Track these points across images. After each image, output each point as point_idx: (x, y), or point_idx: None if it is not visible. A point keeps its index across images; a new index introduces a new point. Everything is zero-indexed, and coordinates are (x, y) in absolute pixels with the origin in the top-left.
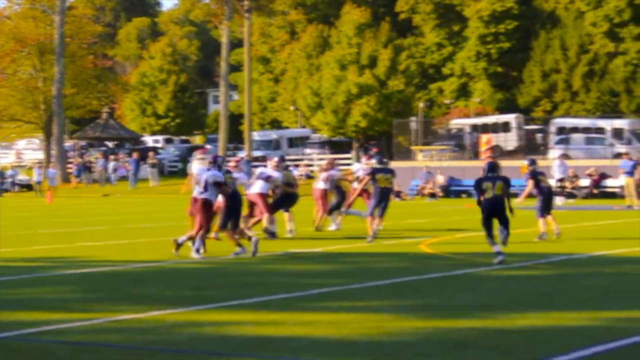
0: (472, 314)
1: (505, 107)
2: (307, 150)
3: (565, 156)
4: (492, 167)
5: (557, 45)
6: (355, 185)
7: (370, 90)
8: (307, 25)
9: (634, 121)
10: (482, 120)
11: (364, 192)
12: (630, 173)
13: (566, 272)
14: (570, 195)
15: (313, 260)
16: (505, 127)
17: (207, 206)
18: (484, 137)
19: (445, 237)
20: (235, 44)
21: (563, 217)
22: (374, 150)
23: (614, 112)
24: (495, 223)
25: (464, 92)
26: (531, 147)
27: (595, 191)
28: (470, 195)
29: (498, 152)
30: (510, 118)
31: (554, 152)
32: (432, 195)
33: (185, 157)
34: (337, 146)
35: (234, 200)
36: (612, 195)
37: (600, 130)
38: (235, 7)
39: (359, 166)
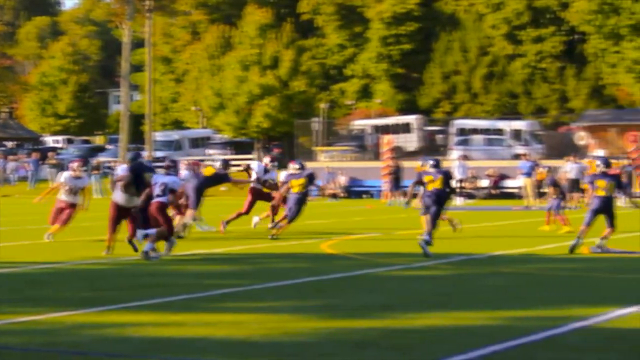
0: (373, 314)
1: (407, 108)
2: (209, 151)
3: (465, 157)
4: (436, 164)
5: (457, 47)
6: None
7: (273, 91)
8: (210, 25)
9: (532, 122)
10: (384, 121)
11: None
12: (529, 174)
13: (465, 272)
14: (470, 196)
15: (215, 261)
16: (406, 128)
17: (164, 209)
18: (385, 138)
19: (347, 237)
20: (137, 43)
21: (463, 218)
22: (276, 150)
23: (513, 113)
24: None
25: (365, 93)
26: (432, 148)
27: (494, 192)
28: (372, 196)
29: (399, 153)
30: (411, 119)
31: (454, 153)
32: (334, 196)
33: (86, 158)
34: (239, 147)
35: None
36: (511, 196)
37: (500, 132)
38: (137, 6)
39: (260, 166)
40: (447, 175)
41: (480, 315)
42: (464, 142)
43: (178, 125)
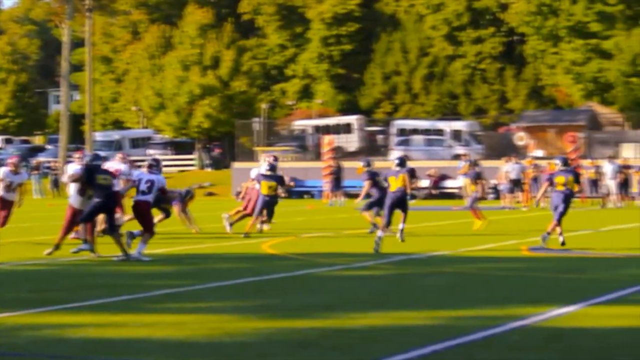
0: (313, 314)
1: (347, 108)
2: (150, 151)
3: (405, 157)
4: (401, 163)
5: (397, 47)
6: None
7: (213, 91)
8: (150, 25)
9: (472, 123)
10: (325, 121)
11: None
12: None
13: (406, 271)
14: (410, 196)
15: (156, 261)
16: (347, 129)
17: (149, 208)
18: (326, 139)
19: (288, 237)
20: (77, 43)
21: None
22: (216, 151)
23: (453, 114)
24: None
25: (306, 93)
26: (372, 148)
27: (434, 192)
28: (313, 196)
29: (340, 153)
30: (352, 119)
31: (395, 154)
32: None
33: (25, 158)
34: (180, 147)
35: (109, 199)
36: (451, 196)
37: (440, 132)
38: (77, 6)
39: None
40: (410, 173)
41: (420, 315)
42: (404, 143)
43: (118, 125)
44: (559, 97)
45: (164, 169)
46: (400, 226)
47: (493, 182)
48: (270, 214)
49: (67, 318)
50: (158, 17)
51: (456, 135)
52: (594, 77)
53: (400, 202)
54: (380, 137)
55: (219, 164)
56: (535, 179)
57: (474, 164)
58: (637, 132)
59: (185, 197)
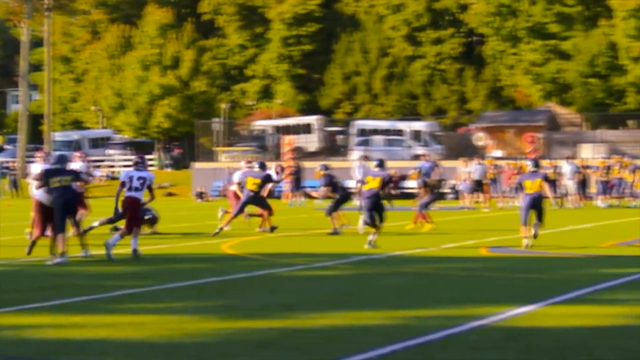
0: (273, 314)
1: (308, 108)
2: (110, 151)
3: (365, 158)
4: (381, 164)
5: (358, 48)
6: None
7: (173, 91)
8: (110, 25)
9: (431, 123)
10: (285, 121)
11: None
12: (428, 174)
13: (365, 271)
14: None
15: (115, 262)
16: (307, 129)
17: (139, 205)
18: (286, 139)
19: (248, 238)
20: (36, 42)
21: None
22: (176, 151)
23: (412, 114)
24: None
25: (266, 93)
26: (332, 148)
27: (394, 192)
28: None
29: (300, 153)
30: (312, 120)
31: (355, 154)
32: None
33: None
34: (139, 147)
35: (68, 200)
36: (411, 196)
37: (400, 133)
38: (36, 5)
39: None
40: (386, 179)
41: (379, 315)
42: (364, 143)
43: (78, 125)
44: (518, 98)
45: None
46: (371, 237)
47: (452, 182)
48: (265, 206)
49: (25, 319)
50: (118, 17)
51: (416, 135)
52: (552, 78)
53: (375, 203)
54: (340, 137)
55: (179, 164)
56: (495, 180)
57: (419, 172)
58: (595, 133)
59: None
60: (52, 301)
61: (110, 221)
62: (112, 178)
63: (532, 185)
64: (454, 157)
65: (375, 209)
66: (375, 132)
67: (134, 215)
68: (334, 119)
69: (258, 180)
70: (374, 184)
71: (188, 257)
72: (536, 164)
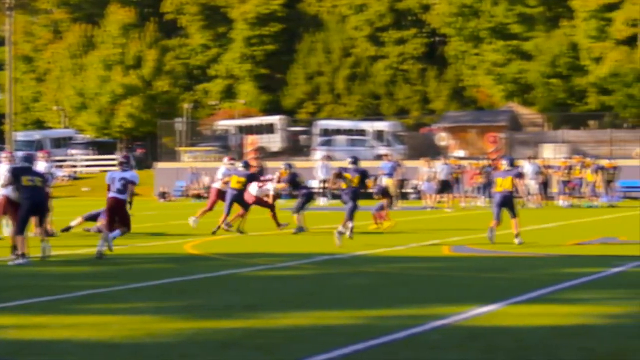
0: (236, 314)
1: (271, 109)
2: (72, 151)
3: (328, 158)
4: (355, 162)
5: (321, 48)
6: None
7: (136, 91)
8: (72, 24)
9: (394, 124)
10: (248, 121)
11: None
12: (391, 174)
13: (329, 271)
14: (334, 196)
15: (78, 262)
16: (270, 129)
17: (124, 206)
18: (250, 139)
19: (211, 238)
20: None
21: (327, 218)
22: (139, 151)
23: (375, 114)
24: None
25: (229, 93)
26: (296, 148)
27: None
28: None
29: (263, 153)
30: (275, 120)
31: (318, 154)
32: (198, 197)
33: None
34: (102, 147)
35: (37, 201)
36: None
37: (363, 133)
38: None
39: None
40: (364, 175)
41: (343, 315)
42: (327, 143)
43: (40, 125)
44: (481, 98)
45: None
46: (350, 225)
47: (415, 182)
48: (245, 207)
49: None
50: (80, 17)
51: (379, 135)
52: (514, 78)
53: (355, 200)
54: (303, 137)
55: (142, 164)
56: (457, 180)
57: (375, 180)
58: (557, 133)
59: None
60: (14, 302)
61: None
62: (75, 178)
63: (502, 183)
64: (417, 157)
65: (355, 205)
66: (338, 132)
67: (117, 216)
68: (297, 119)
69: (243, 179)
70: (353, 182)
71: (151, 257)
72: (511, 163)
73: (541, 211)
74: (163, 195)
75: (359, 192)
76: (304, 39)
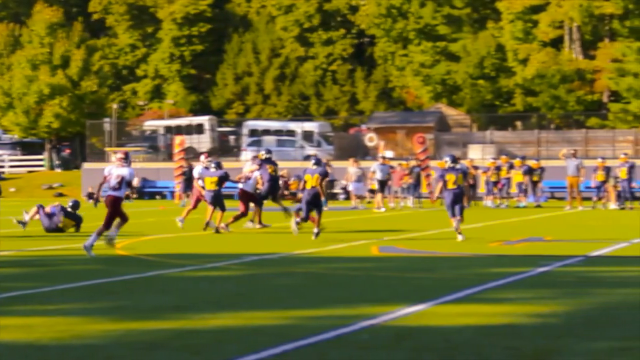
0: (164, 315)
1: (199, 109)
2: None
3: (257, 158)
4: (317, 162)
5: (249, 48)
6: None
7: (63, 90)
8: None
9: (323, 124)
10: (176, 122)
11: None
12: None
13: (258, 272)
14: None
15: (3, 263)
16: (198, 129)
17: (119, 203)
18: (178, 139)
19: (139, 238)
20: None
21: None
22: (67, 151)
23: (304, 115)
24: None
25: (157, 93)
26: (224, 149)
27: (286, 192)
28: (164, 197)
29: (192, 153)
30: (204, 120)
31: (246, 154)
32: (126, 197)
33: None
34: (29, 147)
35: None
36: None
37: (291, 133)
38: None
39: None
40: (323, 174)
41: (272, 315)
42: (255, 143)
43: None
44: (408, 99)
45: (12, 170)
46: (315, 230)
47: (343, 182)
48: (222, 207)
49: None
50: (5, 15)
51: (307, 136)
52: (442, 79)
53: (315, 200)
54: (231, 137)
55: (69, 164)
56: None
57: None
58: (484, 133)
59: None
60: None
61: None
62: (1, 179)
63: (454, 179)
64: (345, 158)
65: (315, 205)
66: (267, 132)
67: (116, 213)
68: (226, 120)
69: (215, 179)
70: (313, 181)
71: (79, 258)
72: (454, 160)
73: (468, 211)
74: (91, 196)
75: (318, 192)
76: (232, 39)
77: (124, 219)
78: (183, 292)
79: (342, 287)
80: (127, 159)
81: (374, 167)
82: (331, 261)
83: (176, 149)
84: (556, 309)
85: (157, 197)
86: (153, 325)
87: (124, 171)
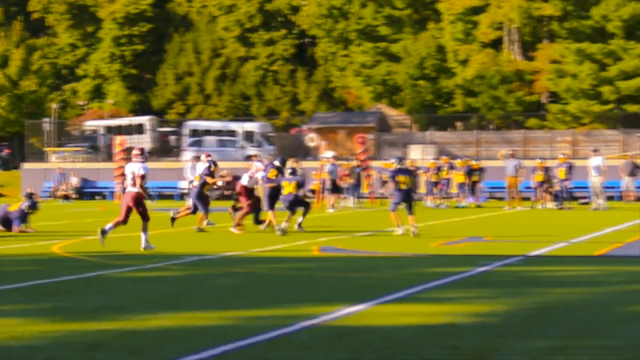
0: (104, 316)
1: (140, 109)
2: None
3: (197, 159)
4: (293, 172)
5: (190, 48)
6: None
7: (2, 90)
8: None
9: (264, 124)
10: (117, 122)
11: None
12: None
13: (198, 272)
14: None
15: None
16: (139, 130)
17: (137, 199)
18: (118, 139)
19: (79, 239)
20: None
21: (196, 219)
22: (6, 151)
23: (245, 115)
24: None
25: (98, 93)
26: (165, 149)
27: (227, 193)
28: (105, 197)
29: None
30: (145, 120)
31: (187, 155)
32: (66, 198)
33: None
34: None
35: None
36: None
37: (232, 133)
38: None
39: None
40: (300, 182)
41: (212, 316)
42: (197, 144)
43: None
44: (349, 100)
45: None
46: (297, 227)
47: None
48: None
49: None
50: None
51: (249, 136)
52: (383, 80)
53: (295, 204)
54: (172, 138)
55: (8, 164)
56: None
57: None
58: (425, 134)
59: None
60: None
61: None
62: None
63: (405, 181)
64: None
65: (299, 205)
66: (208, 133)
67: (135, 208)
68: (167, 120)
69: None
70: (290, 188)
71: (17, 259)
72: (401, 160)
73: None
74: (30, 197)
75: (298, 197)
76: (173, 39)
77: (146, 218)
78: (123, 293)
79: (283, 287)
80: (143, 155)
81: (327, 168)
82: (272, 261)
83: (117, 150)
84: (496, 308)
85: (98, 197)
86: (93, 326)
87: (136, 166)
